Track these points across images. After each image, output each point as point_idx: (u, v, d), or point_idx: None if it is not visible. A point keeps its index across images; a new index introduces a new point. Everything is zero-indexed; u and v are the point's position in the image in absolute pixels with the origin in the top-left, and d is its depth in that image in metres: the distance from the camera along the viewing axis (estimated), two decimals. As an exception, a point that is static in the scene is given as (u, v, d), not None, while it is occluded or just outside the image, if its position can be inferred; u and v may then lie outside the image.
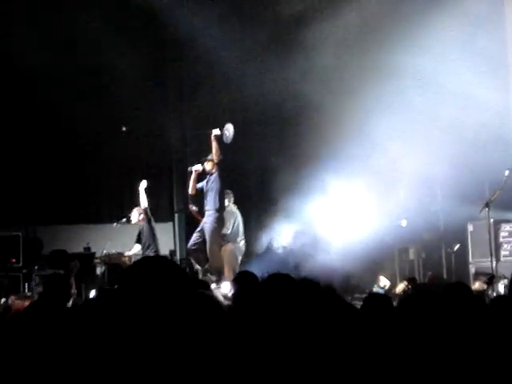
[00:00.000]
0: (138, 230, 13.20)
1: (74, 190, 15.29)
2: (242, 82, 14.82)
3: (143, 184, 13.08)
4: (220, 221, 12.30)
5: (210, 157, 12.30)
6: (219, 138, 12.27)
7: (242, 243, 12.68)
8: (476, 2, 13.10)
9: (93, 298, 7.00)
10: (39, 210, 14.74)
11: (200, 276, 12.01)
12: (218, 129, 12.29)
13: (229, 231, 12.52)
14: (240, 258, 12.63)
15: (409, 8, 13.80)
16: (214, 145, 12.16)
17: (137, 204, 13.33)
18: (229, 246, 12.48)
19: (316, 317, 3.37)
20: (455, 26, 13.17)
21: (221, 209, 12.33)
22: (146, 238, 13.09)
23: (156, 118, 15.39)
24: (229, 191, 12.80)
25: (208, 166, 12.26)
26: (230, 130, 12.46)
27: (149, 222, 13.09)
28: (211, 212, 12.20)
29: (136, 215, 13.16)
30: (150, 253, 12.80)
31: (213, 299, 3.38)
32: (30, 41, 14.01)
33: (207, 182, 12.29)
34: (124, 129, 13.98)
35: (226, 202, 12.63)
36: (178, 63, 16.10)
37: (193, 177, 12.35)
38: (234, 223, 12.55)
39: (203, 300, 3.23)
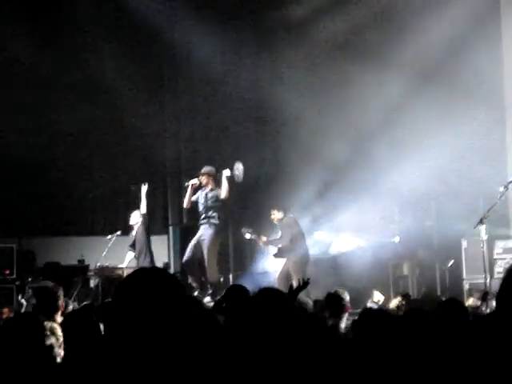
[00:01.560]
0: (133, 235, 13.19)
1: (69, 202, 15.29)
2: (236, 94, 14.90)
3: (144, 188, 13.06)
4: (218, 234, 12.27)
5: (204, 170, 12.28)
6: (230, 179, 12.25)
7: (303, 252, 12.53)
8: (472, 22, 13.20)
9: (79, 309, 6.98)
10: (33, 221, 14.73)
11: (196, 292, 11.95)
12: (228, 169, 12.23)
13: (285, 243, 12.40)
14: (306, 266, 12.49)
15: (397, 19, 13.93)
16: (225, 185, 12.07)
17: (136, 208, 13.43)
18: (292, 259, 12.39)
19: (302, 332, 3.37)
20: (451, 45, 13.29)
21: (220, 222, 12.30)
22: (141, 244, 13.09)
23: (151, 132, 15.42)
24: (279, 204, 12.82)
25: (204, 179, 12.24)
26: (239, 169, 12.48)
27: (146, 228, 13.09)
28: (209, 225, 12.16)
29: (136, 216, 13.18)
30: (145, 261, 12.79)
31: (210, 315, 3.39)
32: (29, 58, 14.13)
33: (206, 196, 12.22)
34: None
35: (281, 215, 12.58)
36: (174, 79, 16.15)
37: (189, 191, 12.31)
38: (291, 236, 12.47)
39: (201, 315, 3.25)
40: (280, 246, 12.51)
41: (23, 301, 11.47)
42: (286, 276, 12.24)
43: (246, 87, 14.87)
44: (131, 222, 13.26)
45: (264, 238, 12.73)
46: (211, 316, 3.68)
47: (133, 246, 13.18)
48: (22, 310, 10.79)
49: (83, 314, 5.48)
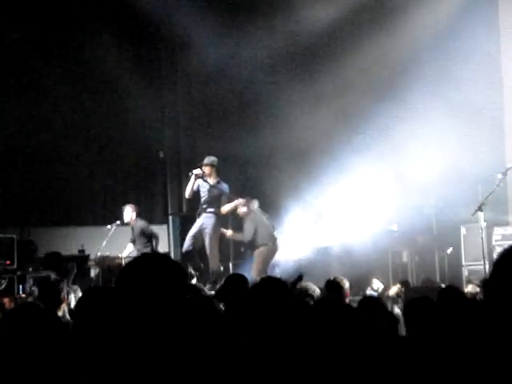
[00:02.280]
0: (132, 232, 13.29)
1: (69, 191, 15.31)
2: (234, 84, 14.90)
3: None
4: (219, 224, 12.34)
5: (206, 161, 12.29)
6: (242, 213, 12.67)
7: (270, 245, 12.67)
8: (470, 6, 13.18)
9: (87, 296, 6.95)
10: (34, 211, 14.75)
11: (194, 280, 12.01)
12: (245, 208, 12.52)
13: (249, 238, 12.56)
14: (271, 260, 12.65)
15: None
16: (231, 206, 12.42)
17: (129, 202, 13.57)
18: (258, 250, 12.52)
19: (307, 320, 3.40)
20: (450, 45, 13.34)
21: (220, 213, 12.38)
22: (137, 236, 13.17)
23: (150, 121, 15.43)
24: (249, 197, 12.90)
25: (207, 170, 12.26)
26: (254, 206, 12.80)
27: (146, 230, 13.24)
28: (211, 215, 12.21)
29: (129, 212, 13.21)
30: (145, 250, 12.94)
31: (210, 302, 3.42)
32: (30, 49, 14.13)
33: (210, 188, 12.23)
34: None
35: (245, 208, 12.67)
36: (172, 66, 16.15)
37: (192, 181, 12.32)
38: (254, 229, 12.59)
39: (201, 303, 3.28)
40: (244, 239, 12.66)
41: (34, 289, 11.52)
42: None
43: (243, 77, 14.86)
44: (126, 220, 13.25)
45: (229, 232, 12.90)
46: (211, 303, 3.71)
47: (134, 242, 13.29)
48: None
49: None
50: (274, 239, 12.70)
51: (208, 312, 3.32)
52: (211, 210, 12.20)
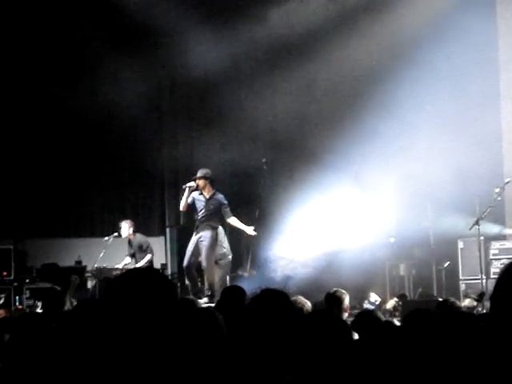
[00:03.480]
0: (130, 246, 13.36)
1: (66, 203, 15.29)
2: (233, 101, 14.92)
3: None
4: (217, 236, 12.33)
5: (199, 174, 12.27)
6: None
7: (228, 259, 12.73)
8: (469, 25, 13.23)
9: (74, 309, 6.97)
10: (31, 223, 14.73)
11: (192, 294, 12.00)
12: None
13: (226, 250, 12.63)
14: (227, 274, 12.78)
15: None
16: (238, 224, 12.37)
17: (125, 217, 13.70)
18: (222, 263, 12.58)
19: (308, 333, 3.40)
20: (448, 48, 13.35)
21: (218, 225, 12.39)
22: (136, 250, 13.22)
23: (148, 133, 15.44)
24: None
25: (201, 183, 12.24)
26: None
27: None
28: (208, 228, 12.19)
29: (126, 228, 13.29)
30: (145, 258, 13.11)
31: (212, 314, 3.42)
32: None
33: (207, 202, 12.21)
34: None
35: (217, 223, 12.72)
36: (172, 87, 16.18)
37: (186, 194, 12.29)
38: (225, 241, 12.66)
39: (203, 315, 3.27)
40: (221, 252, 12.77)
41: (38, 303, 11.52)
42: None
43: (242, 85, 14.89)
44: (123, 235, 13.35)
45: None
46: (213, 315, 3.70)
47: (132, 255, 13.35)
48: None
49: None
50: (230, 254, 12.77)
51: (210, 324, 3.32)
52: (209, 223, 12.17)
